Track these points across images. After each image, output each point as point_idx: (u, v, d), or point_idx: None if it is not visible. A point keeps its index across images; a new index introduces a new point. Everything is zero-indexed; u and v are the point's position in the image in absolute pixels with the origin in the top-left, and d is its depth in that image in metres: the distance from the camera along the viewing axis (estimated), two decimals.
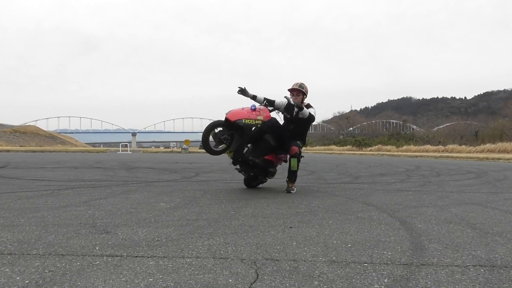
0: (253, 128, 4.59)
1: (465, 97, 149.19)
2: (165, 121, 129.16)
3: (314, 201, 4.10)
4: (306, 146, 5.94)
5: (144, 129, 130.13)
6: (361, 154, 37.90)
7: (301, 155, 4.87)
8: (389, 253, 2.06)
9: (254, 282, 1.61)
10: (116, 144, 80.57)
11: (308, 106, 4.94)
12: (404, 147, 46.79)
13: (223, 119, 4.62)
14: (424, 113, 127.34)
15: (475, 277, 1.70)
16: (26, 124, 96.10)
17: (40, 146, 56.80)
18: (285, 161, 5.21)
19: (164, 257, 1.95)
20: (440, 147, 40.60)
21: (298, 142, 4.92)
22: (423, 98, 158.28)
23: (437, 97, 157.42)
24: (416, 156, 27.56)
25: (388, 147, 49.96)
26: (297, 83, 4.90)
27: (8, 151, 35.46)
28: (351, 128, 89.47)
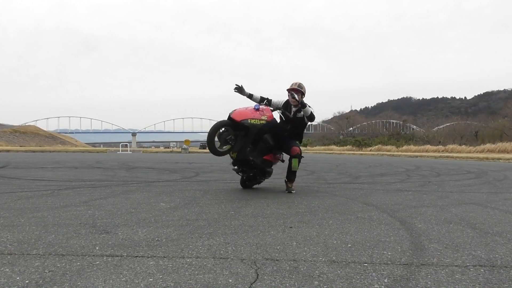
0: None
1: (465, 97, 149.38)
2: (165, 121, 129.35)
3: (314, 201, 4.10)
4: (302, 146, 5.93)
5: (144, 129, 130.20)
6: (361, 154, 37.90)
7: (301, 155, 4.87)
8: (389, 253, 2.06)
9: (254, 282, 1.61)
10: (116, 144, 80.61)
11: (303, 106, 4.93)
12: (404, 147, 46.79)
13: (226, 119, 4.55)
14: (424, 113, 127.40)
15: (475, 277, 1.70)
16: (26, 124, 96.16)
17: (40, 146, 56.80)
18: (282, 161, 5.21)
19: (164, 257, 1.95)
20: (440, 147, 40.60)
21: (297, 142, 4.93)
22: (423, 98, 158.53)
23: (437, 97, 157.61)
24: (416, 156, 27.55)
25: (388, 147, 49.96)
26: (296, 83, 4.86)
27: (8, 151, 35.46)
28: (351, 128, 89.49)
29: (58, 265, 1.80)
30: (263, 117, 4.54)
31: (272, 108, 4.91)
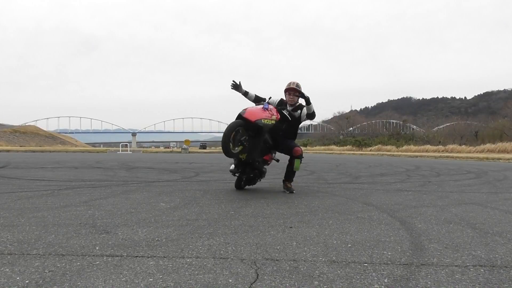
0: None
1: (465, 97, 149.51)
2: (165, 121, 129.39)
3: (314, 201, 4.10)
4: None
5: (144, 129, 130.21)
6: (361, 154, 37.90)
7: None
8: (389, 253, 2.06)
9: (254, 282, 1.61)
10: (116, 144, 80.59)
11: (302, 105, 4.91)
12: (404, 147, 46.78)
13: (236, 119, 4.37)
14: (424, 113, 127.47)
15: (475, 277, 1.70)
16: (26, 124, 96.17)
17: (40, 146, 56.80)
18: (277, 161, 5.19)
19: (164, 257, 1.95)
20: (440, 147, 40.60)
21: (295, 142, 4.94)
22: (423, 98, 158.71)
23: (437, 97, 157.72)
24: (416, 156, 27.55)
25: (388, 147, 49.96)
26: (294, 83, 4.81)
27: (8, 151, 35.45)
28: (351, 128, 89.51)
29: (58, 265, 1.80)
30: (272, 117, 4.42)
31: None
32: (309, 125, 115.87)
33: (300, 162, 4.82)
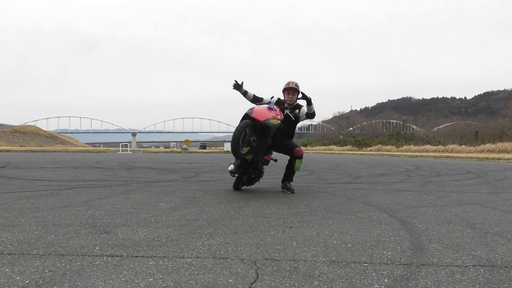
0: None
1: (465, 97, 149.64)
2: (165, 121, 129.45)
3: (314, 201, 4.10)
4: None
5: (144, 129, 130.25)
6: (361, 154, 37.90)
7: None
8: (389, 253, 2.06)
9: (254, 282, 1.61)
10: (116, 144, 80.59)
11: (300, 105, 4.91)
12: (404, 147, 46.78)
13: (243, 118, 4.32)
14: (424, 113, 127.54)
15: (475, 277, 1.70)
16: (26, 124, 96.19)
17: (40, 146, 56.80)
18: (275, 161, 5.18)
19: (164, 257, 1.95)
20: (440, 147, 40.59)
21: (294, 142, 4.95)
22: (423, 98, 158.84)
23: (437, 97, 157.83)
24: (416, 156, 27.55)
25: (388, 147, 49.96)
26: (293, 82, 4.79)
27: (8, 151, 35.45)
28: (351, 128, 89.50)
29: (58, 265, 1.80)
30: (278, 117, 4.38)
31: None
32: (309, 125, 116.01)
33: (301, 162, 4.84)
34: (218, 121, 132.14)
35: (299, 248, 2.15)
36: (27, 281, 1.59)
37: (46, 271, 1.71)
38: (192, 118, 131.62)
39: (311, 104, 4.68)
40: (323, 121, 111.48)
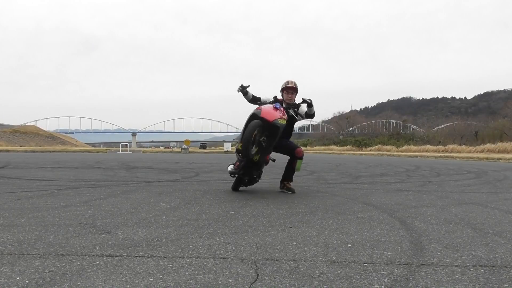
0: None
1: (465, 97, 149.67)
2: (165, 121, 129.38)
3: (314, 201, 4.10)
4: None
5: (144, 129, 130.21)
6: (361, 154, 37.90)
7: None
8: (389, 253, 2.06)
9: (254, 282, 1.61)
10: (116, 144, 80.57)
11: (298, 104, 4.90)
12: (404, 147, 46.79)
13: (250, 118, 4.28)
14: (424, 113, 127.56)
15: (475, 277, 1.70)
16: (26, 124, 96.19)
17: (40, 146, 56.80)
18: (273, 161, 5.17)
19: (164, 257, 1.95)
20: (440, 147, 40.60)
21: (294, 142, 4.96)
22: (423, 98, 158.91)
23: (437, 97, 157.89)
24: (416, 156, 27.55)
25: (388, 147, 49.97)
26: (292, 81, 4.78)
27: (8, 151, 35.45)
28: (351, 128, 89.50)
29: (58, 265, 1.80)
30: (284, 117, 4.34)
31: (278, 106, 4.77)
32: (309, 125, 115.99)
33: (301, 163, 4.85)
34: (218, 121, 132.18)
35: (299, 248, 2.15)
36: (27, 281, 1.59)
37: (46, 271, 1.71)
38: (192, 118, 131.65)
39: (312, 106, 4.68)
40: (323, 121, 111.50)
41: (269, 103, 4.66)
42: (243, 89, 4.76)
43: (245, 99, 4.90)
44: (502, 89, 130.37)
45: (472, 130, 61.08)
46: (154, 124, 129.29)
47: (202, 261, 1.88)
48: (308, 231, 2.58)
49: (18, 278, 1.62)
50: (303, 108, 4.81)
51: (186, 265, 1.82)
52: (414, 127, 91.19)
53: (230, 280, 1.62)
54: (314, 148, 63.28)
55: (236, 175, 4.83)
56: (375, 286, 1.59)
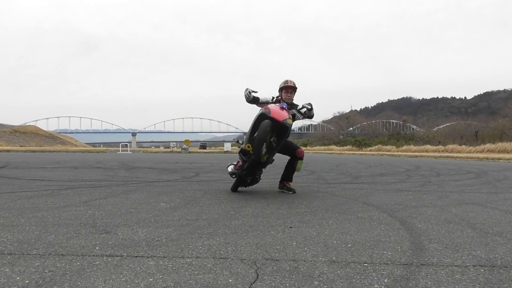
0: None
1: (465, 97, 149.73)
2: (165, 121, 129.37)
3: (314, 201, 4.10)
4: None
5: (144, 129, 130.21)
6: (361, 154, 37.90)
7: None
8: (389, 253, 2.06)
9: (254, 282, 1.61)
10: (116, 144, 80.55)
11: (296, 104, 4.90)
12: (404, 147, 46.80)
13: (258, 118, 4.24)
14: (424, 113, 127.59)
15: (475, 277, 1.70)
16: (26, 124, 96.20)
17: (40, 146, 56.80)
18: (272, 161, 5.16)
19: (164, 257, 1.95)
20: (440, 147, 40.60)
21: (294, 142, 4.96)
22: (423, 98, 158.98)
23: (437, 97, 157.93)
24: (416, 156, 27.55)
25: (388, 147, 49.99)
26: (291, 81, 4.75)
27: (8, 151, 35.45)
28: (351, 128, 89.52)
29: (58, 265, 1.80)
30: (290, 117, 4.29)
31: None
32: (309, 125, 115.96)
33: (302, 163, 4.86)
34: (218, 121, 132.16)
35: (299, 248, 2.15)
36: (27, 281, 1.59)
37: (46, 271, 1.71)
38: (192, 118, 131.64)
39: (312, 109, 4.69)
40: (323, 121, 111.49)
41: (270, 103, 4.65)
42: (254, 99, 4.66)
43: (245, 99, 4.90)
44: (502, 89, 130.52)
45: (472, 130, 61.12)
46: (154, 124, 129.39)
47: (202, 261, 1.88)
48: (308, 231, 2.58)
49: (18, 278, 1.62)
50: (304, 108, 4.81)
51: (186, 265, 1.82)
52: (414, 127, 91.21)
53: (230, 280, 1.62)
54: (314, 148, 63.23)
55: (236, 176, 4.80)
56: (375, 286, 1.59)
